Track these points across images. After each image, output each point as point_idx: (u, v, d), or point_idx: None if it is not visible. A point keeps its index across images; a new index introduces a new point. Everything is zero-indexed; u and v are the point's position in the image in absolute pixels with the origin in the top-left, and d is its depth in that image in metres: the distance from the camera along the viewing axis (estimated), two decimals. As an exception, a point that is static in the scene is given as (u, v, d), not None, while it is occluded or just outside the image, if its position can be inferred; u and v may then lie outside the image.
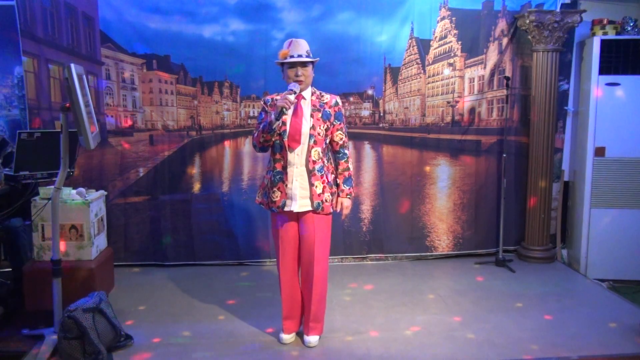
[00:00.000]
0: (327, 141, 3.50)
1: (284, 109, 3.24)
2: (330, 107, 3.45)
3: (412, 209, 5.52)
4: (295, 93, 3.31)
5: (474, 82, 5.48)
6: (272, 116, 3.28)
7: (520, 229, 5.61)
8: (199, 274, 5.14)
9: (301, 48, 3.37)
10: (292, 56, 3.35)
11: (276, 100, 3.38)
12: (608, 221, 5.18)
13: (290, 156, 3.40)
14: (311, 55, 3.41)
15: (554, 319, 4.08)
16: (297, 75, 3.36)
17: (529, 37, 5.23)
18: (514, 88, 5.45)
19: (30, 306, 3.88)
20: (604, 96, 5.10)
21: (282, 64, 3.42)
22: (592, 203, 5.21)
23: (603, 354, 3.54)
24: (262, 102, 3.58)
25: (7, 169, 3.89)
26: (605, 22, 5.14)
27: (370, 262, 5.48)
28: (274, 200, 3.45)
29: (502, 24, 5.38)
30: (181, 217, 5.32)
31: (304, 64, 3.37)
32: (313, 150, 3.40)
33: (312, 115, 3.41)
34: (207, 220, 5.35)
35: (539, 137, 5.28)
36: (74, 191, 4.03)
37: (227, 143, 5.38)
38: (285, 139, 3.38)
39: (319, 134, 3.40)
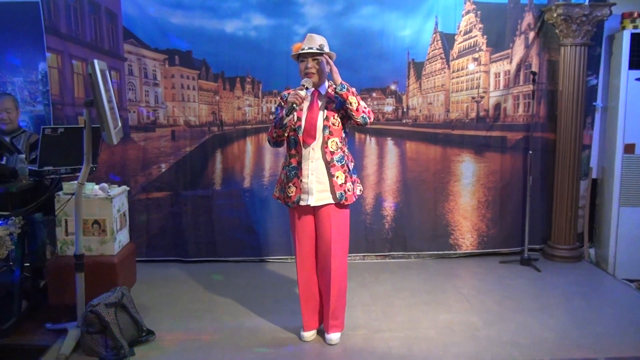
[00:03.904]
0: (346, 130, 3.51)
1: (294, 105, 3.26)
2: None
3: (436, 206, 5.50)
4: (307, 88, 3.33)
5: (499, 77, 5.43)
6: (284, 112, 3.31)
7: (547, 228, 5.55)
8: (220, 270, 5.18)
9: (314, 42, 3.38)
10: (303, 49, 3.38)
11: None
12: (637, 220, 5.11)
13: (305, 151, 3.42)
14: (324, 49, 3.39)
15: (580, 319, 4.03)
16: (307, 68, 3.37)
17: (557, 31, 5.16)
18: (541, 83, 5.39)
19: (53, 300, 3.95)
20: (633, 91, 5.02)
21: (298, 59, 3.45)
22: (621, 201, 5.15)
23: (630, 355, 3.50)
24: (279, 97, 3.61)
25: (32, 165, 3.96)
26: (635, 15, 5.06)
27: (392, 260, 5.47)
28: (289, 195, 3.48)
29: (528, 18, 5.32)
30: (202, 213, 5.37)
31: (314, 57, 3.39)
32: (330, 141, 3.41)
33: (326, 108, 3.43)
34: (229, 216, 5.39)
35: (567, 133, 5.21)
36: (96, 186, 4.09)
37: (248, 139, 5.41)
38: (300, 135, 3.40)
39: (333, 124, 3.41)
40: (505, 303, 4.34)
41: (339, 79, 3.32)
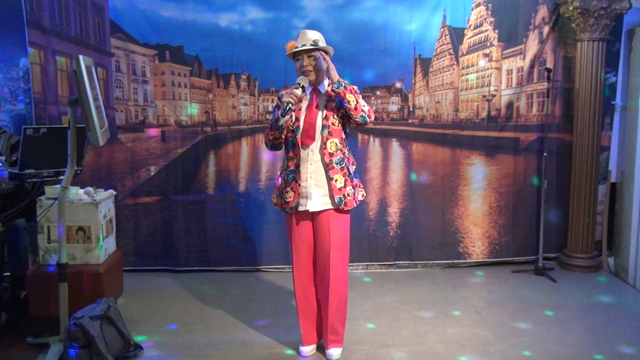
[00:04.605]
0: (346, 131, 3.50)
1: (290, 105, 3.26)
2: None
3: (444, 212, 5.49)
4: (303, 87, 3.33)
5: (512, 74, 5.43)
6: (279, 112, 3.31)
7: (563, 235, 5.55)
8: (213, 280, 5.18)
9: (307, 38, 3.39)
10: (296, 47, 3.39)
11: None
12: (660, 227, 5.10)
13: (304, 153, 3.42)
14: (319, 44, 3.40)
15: (599, 333, 4.02)
16: (302, 66, 3.39)
17: (573, 25, 5.17)
18: (556, 81, 5.39)
19: (34, 312, 3.93)
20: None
21: (294, 58, 3.46)
22: (642, 207, 5.14)
23: (653, 372, 3.50)
24: (277, 97, 3.61)
25: (12, 168, 3.95)
26: (657, 8, 5.07)
27: (398, 270, 5.47)
28: (287, 201, 3.48)
29: (543, 11, 5.32)
30: (194, 219, 5.36)
31: (309, 54, 3.39)
32: (329, 142, 3.41)
33: (326, 106, 3.43)
34: (222, 222, 5.39)
35: (584, 134, 5.21)
36: (81, 191, 4.08)
37: (244, 140, 5.41)
38: (299, 136, 3.40)
39: (332, 123, 3.41)
40: (519, 316, 4.33)
41: (336, 77, 3.33)
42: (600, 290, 4.91)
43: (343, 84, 3.31)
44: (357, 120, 3.36)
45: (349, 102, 3.31)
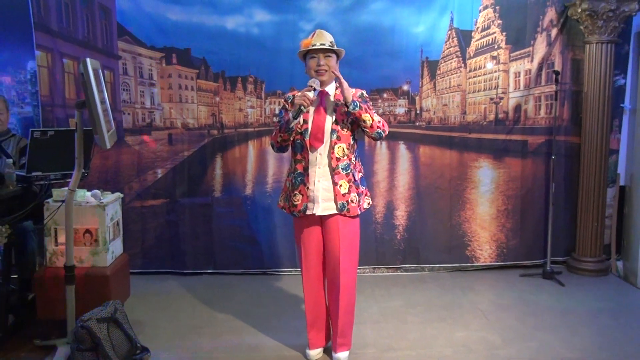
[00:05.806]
0: (354, 136, 3.50)
1: (302, 107, 3.27)
2: (355, 99, 3.40)
3: (451, 215, 5.49)
4: (315, 89, 3.33)
5: (519, 76, 5.43)
6: (290, 115, 3.32)
7: (571, 239, 5.53)
8: (219, 283, 5.19)
9: (325, 38, 3.39)
10: (314, 45, 3.38)
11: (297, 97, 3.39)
12: (669, 230, 5.08)
13: (312, 156, 3.41)
14: (335, 47, 3.41)
15: (608, 338, 4.01)
16: (318, 65, 3.37)
17: (581, 27, 5.16)
18: (564, 83, 5.38)
19: (42, 315, 3.95)
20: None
21: (305, 57, 3.46)
22: (652, 210, 5.13)
23: (663, 377, 3.49)
24: (283, 99, 3.61)
25: (20, 170, 3.97)
26: (666, 10, 5.06)
27: (405, 273, 5.47)
28: (295, 204, 3.47)
29: (551, 13, 5.32)
30: (201, 222, 5.38)
31: (326, 54, 3.39)
32: (337, 147, 3.40)
33: (335, 110, 3.43)
34: (229, 225, 5.40)
35: (592, 137, 5.20)
36: (88, 193, 4.10)
37: (250, 142, 5.43)
38: (307, 138, 3.40)
39: (342, 128, 3.41)
40: (526, 320, 4.32)
41: (350, 96, 3.31)
42: (608, 295, 4.90)
43: (358, 104, 3.31)
44: (373, 136, 3.38)
45: (364, 121, 3.32)
